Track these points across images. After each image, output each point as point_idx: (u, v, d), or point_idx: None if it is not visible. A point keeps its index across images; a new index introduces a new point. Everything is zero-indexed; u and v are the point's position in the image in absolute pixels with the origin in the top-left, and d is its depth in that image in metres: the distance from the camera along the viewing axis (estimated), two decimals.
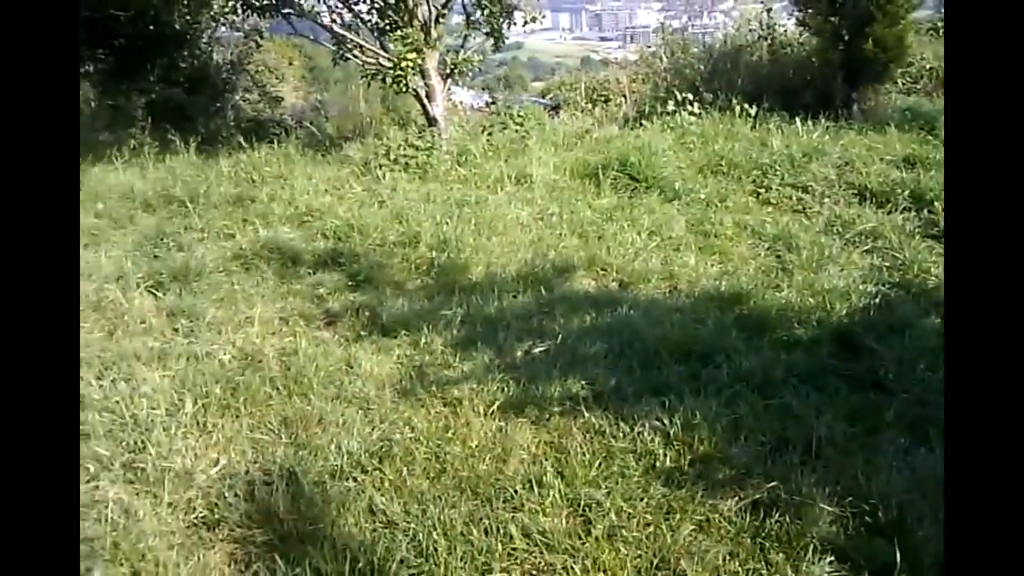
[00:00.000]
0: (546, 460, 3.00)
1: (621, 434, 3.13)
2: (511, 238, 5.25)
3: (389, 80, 7.40)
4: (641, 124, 8.19)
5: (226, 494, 2.78)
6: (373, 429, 3.18)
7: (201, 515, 2.72)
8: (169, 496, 2.78)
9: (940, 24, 9.85)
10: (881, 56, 7.96)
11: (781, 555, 2.49)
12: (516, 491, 2.79)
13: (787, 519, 2.62)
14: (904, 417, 3.16)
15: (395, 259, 4.97)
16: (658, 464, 2.96)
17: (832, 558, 2.45)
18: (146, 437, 3.04)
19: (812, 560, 2.44)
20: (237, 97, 10.81)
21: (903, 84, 9.15)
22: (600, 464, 2.94)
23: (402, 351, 3.84)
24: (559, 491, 2.79)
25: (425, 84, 7.73)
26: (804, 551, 2.48)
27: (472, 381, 3.50)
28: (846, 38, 8.05)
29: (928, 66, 9.26)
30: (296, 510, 2.69)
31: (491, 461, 2.99)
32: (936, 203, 5.50)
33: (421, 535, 2.55)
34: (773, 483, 2.77)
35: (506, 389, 3.45)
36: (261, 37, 10.34)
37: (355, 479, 2.88)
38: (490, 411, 3.27)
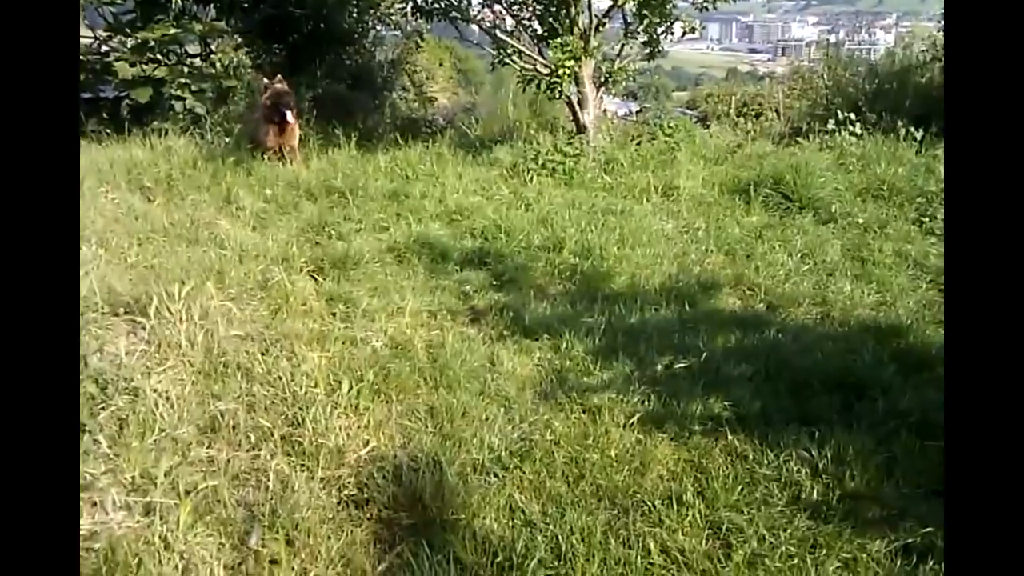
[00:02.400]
0: (686, 478, 2.96)
1: (765, 461, 3.05)
2: (655, 250, 5.22)
3: (544, 86, 7.52)
4: (796, 141, 7.91)
5: (375, 475, 2.92)
6: (514, 428, 3.25)
7: (351, 493, 2.87)
8: (323, 471, 2.95)
9: None
10: None
11: None
12: (655, 506, 2.78)
13: (942, 567, 2.47)
14: None
15: (539, 262, 5.06)
16: (803, 495, 2.86)
17: None
18: (304, 413, 3.22)
19: None
20: (395, 95, 11.31)
21: None
22: (742, 489, 2.87)
23: (543, 354, 3.91)
24: (699, 511, 2.76)
25: (578, 91, 7.80)
26: None
27: (612, 390, 3.51)
28: None
29: None
30: (440, 498, 2.79)
31: (629, 473, 2.99)
32: None
33: (560, 537, 2.59)
34: (928, 528, 2.63)
35: (646, 402, 3.44)
36: (422, 38, 10.76)
37: (496, 475, 2.95)
38: (629, 423, 3.27)
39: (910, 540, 2.61)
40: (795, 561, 2.53)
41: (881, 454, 3.05)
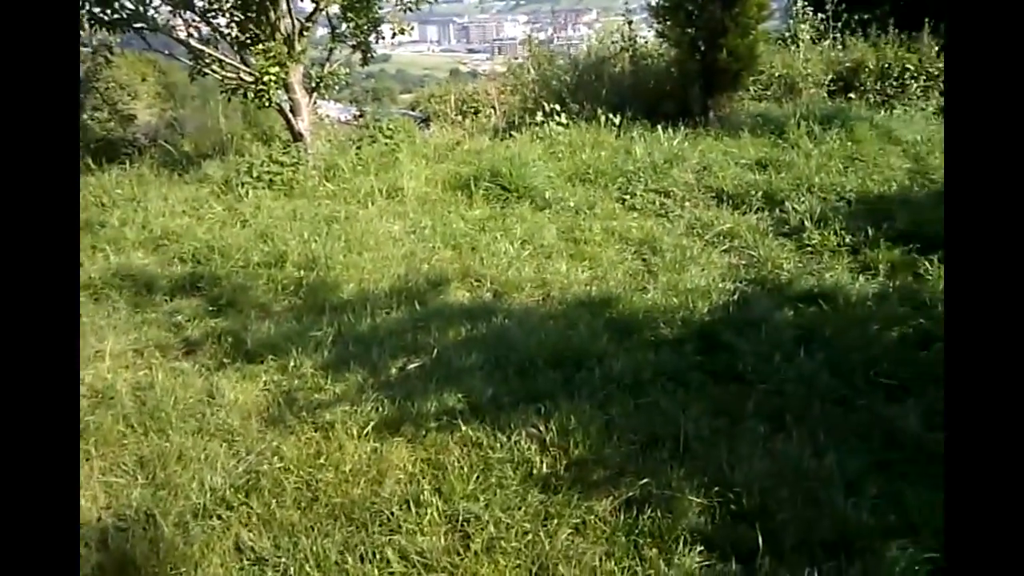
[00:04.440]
0: (423, 478, 2.95)
1: (498, 444, 3.13)
2: (383, 253, 5.18)
3: (251, 95, 7.16)
4: (511, 135, 8.29)
5: None
6: (239, 462, 3.03)
7: None
8: None
9: (787, 34, 10.47)
10: (734, 65, 8.41)
11: (654, 550, 2.55)
12: (393, 513, 2.73)
13: (659, 514, 2.69)
14: (763, 407, 3.33)
15: (260, 280, 4.79)
16: (535, 471, 2.97)
17: (701, 548, 2.54)
18: None
19: (683, 552, 2.52)
20: (84, 116, 10.13)
21: (755, 91, 9.70)
22: (478, 477, 2.92)
23: (269, 377, 3.70)
24: (437, 508, 2.75)
25: (289, 98, 7.53)
26: (675, 544, 2.56)
27: (345, 403, 3.41)
28: (702, 49, 8.46)
29: (777, 74, 9.86)
30: (156, 555, 2.52)
31: (366, 485, 2.92)
32: (786, 203, 5.86)
33: (292, 569, 2.45)
34: (645, 480, 2.84)
35: (380, 408, 3.38)
36: (111, 53, 9.75)
37: (220, 517, 2.73)
38: (364, 433, 3.19)
39: (631, 494, 2.81)
40: (530, 536, 2.62)
41: (601, 418, 3.27)
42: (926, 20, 9.77)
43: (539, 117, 8.27)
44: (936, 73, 9.61)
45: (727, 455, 2.99)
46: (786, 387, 3.46)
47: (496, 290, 4.73)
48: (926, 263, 4.72)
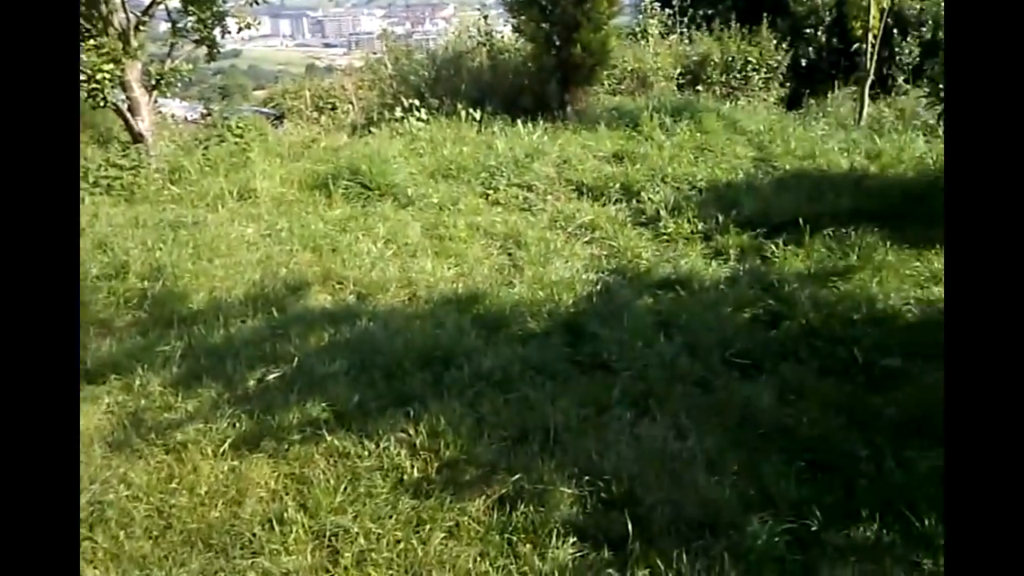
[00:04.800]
0: (287, 495, 2.81)
1: (366, 453, 3.03)
2: (236, 259, 4.90)
3: (84, 94, 6.59)
4: (370, 131, 8.11)
5: None
6: (82, 493, 2.76)
7: None
8: None
9: (637, 30, 10.82)
10: (589, 60, 8.60)
11: (528, 546, 2.55)
12: (255, 534, 2.58)
13: (532, 509, 2.69)
14: (628, 394, 3.40)
15: (99, 295, 4.41)
16: (406, 477, 2.90)
17: (574, 539, 2.56)
18: None
19: (556, 545, 2.52)
20: None
21: (609, 85, 9.97)
22: (345, 488, 2.81)
23: (112, 398, 3.41)
24: (303, 525, 2.63)
25: (127, 97, 7.00)
26: (549, 537, 2.56)
27: (198, 421, 3.19)
28: (557, 44, 8.60)
29: (629, 68, 10.17)
30: None
31: (224, 506, 2.74)
32: (642, 193, 6.04)
33: None
34: (517, 476, 2.84)
35: (238, 424, 3.20)
36: None
37: None
38: (220, 451, 3.00)
39: (503, 491, 2.80)
40: (402, 545, 2.55)
41: (471, 417, 3.23)
42: (764, 15, 10.40)
43: (398, 112, 8.14)
44: (775, 65, 10.24)
45: (596, 444, 3.03)
46: (649, 372, 3.55)
47: (359, 292, 4.59)
48: (772, 246, 5.00)
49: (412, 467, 2.94)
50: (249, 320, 4.16)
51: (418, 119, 8.03)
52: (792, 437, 3.04)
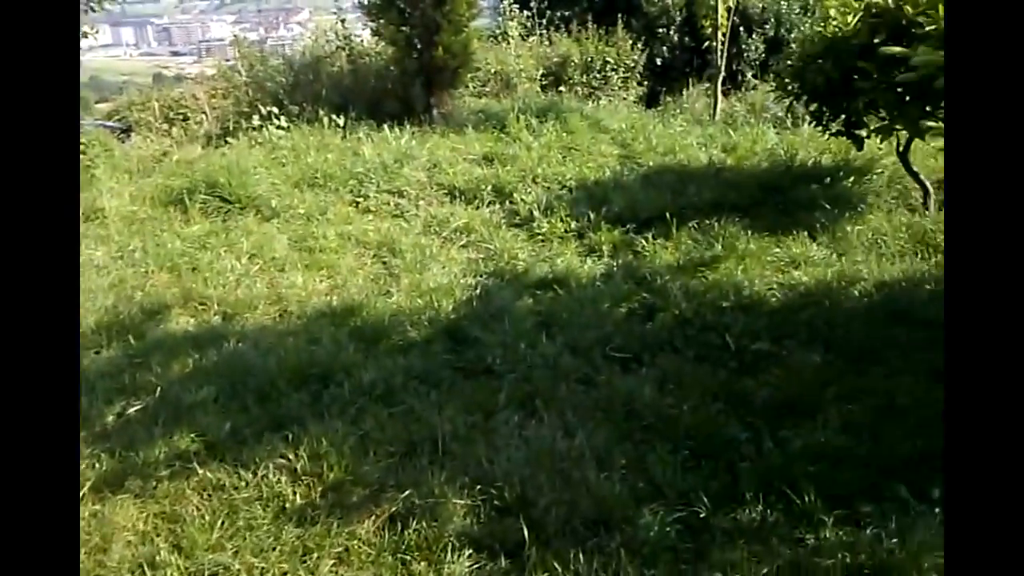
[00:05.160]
0: (157, 536, 2.60)
1: (243, 483, 2.86)
2: (85, 285, 4.51)
3: None
4: (227, 142, 7.71)
5: None
6: None
7: None
8: None
9: (498, 32, 10.89)
10: (452, 63, 8.55)
11: (423, 563, 2.47)
12: None
13: (424, 524, 2.61)
14: (514, 396, 3.38)
15: None
16: (288, 505, 2.75)
17: (470, 551, 2.50)
18: None
19: (452, 559, 2.46)
20: None
21: (474, 88, 9.97)
22: (223, 523, 2.63)
23: None
24: (178, 568, 2.44)
25: None
26: (443, 552, 2.50)
27: None
28: (419, 47, 8.49)
29: (493, 70, 10.21)
30: None
31: (89, 555, 2.50)
32: (514, 195, 6.06)
33: None
34: (407, 492, 2.75)
35: (98, 464, 2.94)
36: None
37: None
38: (80, 496, 2.73)
39: (393, 509, 2.70)
40: None
41: (355, 435, 3.11)
42: (619, 16, 10.72)
43: (256, 121, 7.78)
44: (632, 65, 10.59)
45: (485, 450, 2.99)
46: (533, 373, 3.55)
47: (225, 312, 4.34)
48: (642, 241, 5.14)
49: (294, 494, 2.79)
50: (104, 350, 3.84)
51: (278, 127, 7.70)
52: (675, 426, 3.11)
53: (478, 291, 4.50)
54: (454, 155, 7.00)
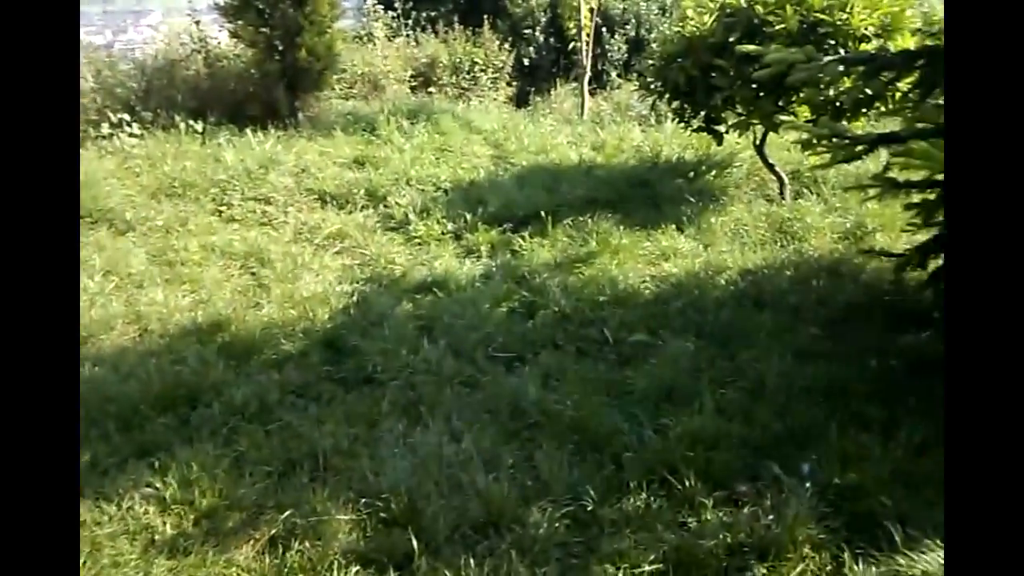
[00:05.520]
0: None
1: (107, 517, 2.65)
2: None
3: None
4: None
5: None
6: None
7: None
8: None
9: (363, 32, 10.65)
10: (316, 64, 8.30)
11: None
12: None
13: (307, 544, 2.51)
14: (397, 404, 3.31)
15: None
16: (158, 537, 2.57)
17: (357, 567, 2.42)
18: None
19: None
20: None
21: (340, 90, 9.72)
22: (86, 562, 2.42)
23: None
24: None
25: None
26: (329, 571, 2.40)
27: None
28: (280, 48, 8.19)
29: (359, 72, 9.99)
30: None
31: None
32: (388, 198, 5.95)
33: None
34: (287, 512, 2.63)
35: None
36: None
37: None
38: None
39: (274, 531, 2.59)
40: None
41: (228, 457, 2.94)
42: (485, 17, 10.76)
43: (105, 129, 7.27)
44: (500, 65, 10.65)
45: (369, 462, 2.90)
46: (416, 379, 3.48)
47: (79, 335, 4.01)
48: (519, 240, 5.17)
49: (164, 524, 2.61)
50: None
51: (130, 135, 7.22)
52: (559, 422, 3.13)
53: (355, 298, 4.38)
54: (323, 159, 6.80)
